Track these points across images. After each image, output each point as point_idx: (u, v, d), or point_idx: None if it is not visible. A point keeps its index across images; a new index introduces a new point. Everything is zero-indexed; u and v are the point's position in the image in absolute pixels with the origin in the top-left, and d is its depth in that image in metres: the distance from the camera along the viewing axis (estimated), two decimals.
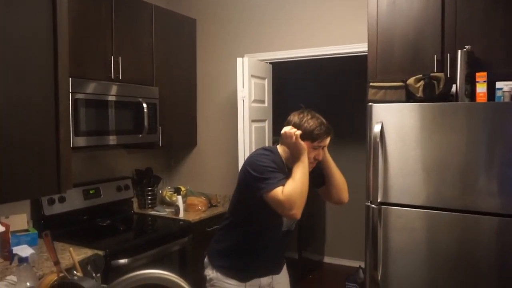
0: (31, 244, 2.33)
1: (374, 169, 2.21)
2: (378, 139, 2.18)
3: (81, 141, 2.50)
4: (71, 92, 2.41)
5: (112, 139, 2.75)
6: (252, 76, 3.08)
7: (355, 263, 4.11)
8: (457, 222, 2.12)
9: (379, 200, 2.22)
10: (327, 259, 4.88)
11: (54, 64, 1.12)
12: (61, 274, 1.39)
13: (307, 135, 1.75)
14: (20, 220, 2.45)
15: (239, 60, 3.05)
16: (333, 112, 4.50)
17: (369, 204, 2.25)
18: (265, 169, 1.70)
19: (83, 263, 1.54)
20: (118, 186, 3.16)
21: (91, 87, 2.58)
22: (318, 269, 4.66)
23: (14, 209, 2.46)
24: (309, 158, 1.76)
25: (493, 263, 2.05)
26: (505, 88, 2.17)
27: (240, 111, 3.05)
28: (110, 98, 2.71)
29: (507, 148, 2.00)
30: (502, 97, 2.19)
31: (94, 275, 1.47)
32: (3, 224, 2.21)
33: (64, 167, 1.16)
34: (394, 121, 2.18)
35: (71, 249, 1.50)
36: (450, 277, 2.14)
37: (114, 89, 2.74)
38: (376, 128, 2.19)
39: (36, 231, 2.44)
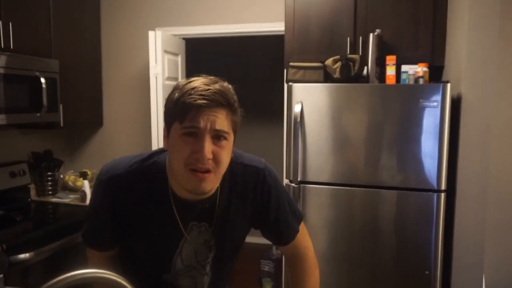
0: None
1: (294, 149, 2.24)
2: (299, 119, 2.21)
3: None
4: None
5: (1, 119, 2.39)
6: (166, 51, 2.91)
7: (267, 241, 4.22)
8: (364, 197, 2.26)
9: (298, 179, 2.27)
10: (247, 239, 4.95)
11: None
12: None
13: (171, 111, 1.00)
14: None
15: (151, 33, 2.85)
16: (250, 92, 4.56)
17: (289, 183, 2.29)
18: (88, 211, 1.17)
19: None
20: (11, 171, 2.78)
21: None
22: None
23: None
24: (184, 158, 0.97)
25: (392, 230, 2.24)
26: (410, 71, 2.34)
27: (153, 89, 2.87)
28: (1, 70, 2.35)
29: (408, 127, 2.16)
30: (407, 80, 2.36)
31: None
32: None
33: None
34: (313, 101, 2.23)
35: None
36: (360, 247, 2.30)
37: (2, 60, 2.37)
38: (297, 108, 2.21)
39: None
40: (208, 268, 1.16)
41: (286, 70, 2.39)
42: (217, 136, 0.96)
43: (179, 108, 0.95)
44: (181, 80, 1.05)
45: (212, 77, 1.01)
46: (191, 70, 3.46)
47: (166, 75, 2.96)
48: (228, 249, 1.17)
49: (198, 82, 0.98)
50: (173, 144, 0.98)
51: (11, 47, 2.44)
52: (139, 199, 1.07)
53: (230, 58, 4.71)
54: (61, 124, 2.84)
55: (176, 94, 0.97)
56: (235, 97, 1.01)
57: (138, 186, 1.07)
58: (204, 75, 1.01)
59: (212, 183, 1.00)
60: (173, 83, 3.07)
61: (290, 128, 2.25)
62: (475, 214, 2.11)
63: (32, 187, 3.01)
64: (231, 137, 1.00)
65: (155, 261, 1.12)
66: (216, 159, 0.96)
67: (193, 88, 0.95)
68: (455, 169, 2.14)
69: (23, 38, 2.52)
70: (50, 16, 2.75)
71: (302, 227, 1.23)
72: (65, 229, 2.48)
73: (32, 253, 2.20)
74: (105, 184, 1.08)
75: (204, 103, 0.94)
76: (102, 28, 3.31)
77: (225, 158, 0.99)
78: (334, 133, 2.24)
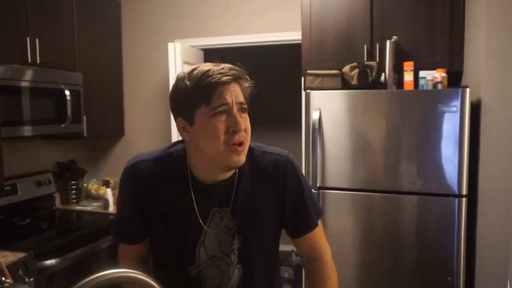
0: None
1: (313, 155, 2.26)
2: (317, 126, 2.23)
3: None
4: None
5: (27, 130, 2.48)
6: (185, 62, 2.97)
7: (287, 247, 4.22)
8: (385, 202, 2.26)
9: (318, 185, 2.29)
10: None
11: None
12: None
13: (191, 99, 1.01)
14: None
15: (170, 45, 2.93)
16: (268, 101, 4.62)
17: None
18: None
19: (13, 268, 1.37)
20: (37, 181, 2.87)
21: (4, 72, 2.29)
22: None
23: None
24: (221, 137, 1.00)
25: (413, 236, 2.23)
26: (428, 77, 2.34)
27: None
28: (25, 84, 2.44)
29: (427, 133, 2.16)
30: (425, 85, 2.37)
31: (27, 280, 1.32)
32: None
33: None
34: (331, 108, 2.25)
35: None
36: (380, 253, 2.28)
37: (29, 74, 2.46)
38: (315, 115, 2.24)
39: None
40: (233, 257, 1.14)
41: (304, 78, 2.42)
42: (241, 109, 1.03)
43: (204, 90, 0.99)
44: (179, 73, 1.07)
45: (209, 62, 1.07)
46: None
47: None
48: (254, 239, 1.14)
49: (206, 66, 1.03)
50: (205, 129, 1.01)
51: (38, 61, 2.53)
52: (160, 184, 1.11)
53: (247, 67, 4.75)
54: (85, 135, 2.93)
55: (189, 82, 1.01)
56: (245, 72, 1.07)
57: (160, 171, 1.11)
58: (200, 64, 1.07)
59: (245, 155, 1.05)
60: None
61: (309, 135, 2.27)
62: (498, 219, 2.08)
63: (57, 195, 3.09)
64: (247, 108, 1.07)
65: (179, 252, 1.14)
66: (246, 131, 1.03)
67: (208, 70, 1.01)
68: (476, 173, 2.12)
69: (48, 53, 2.62)
70: (73, 32, 2.85)
71: (321, 226, 1.22)
72: (89, 236, 2.55)
73: (58, 259, 2.26)
74: (130, 170, 1.14)
75: (228, 79, 1.00)
76: (123, 41, 3.40)
77: (249, 129, 1.06)
78: (352, 139, 2.25)
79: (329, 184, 2.30)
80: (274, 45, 3.13)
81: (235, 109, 1.01)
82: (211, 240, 1.12)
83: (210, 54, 3.39)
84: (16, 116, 2.41)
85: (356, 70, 2.26)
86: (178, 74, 1.08)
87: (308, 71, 2.37)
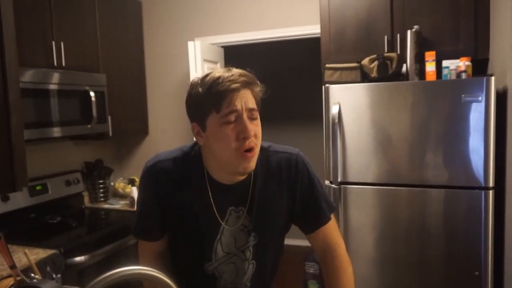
0: None
1: (333, 150, 2.24)
2: (337, 120, 2.21)
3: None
4: None
5: (56, 131, 2.57)
6: (205, 60, 3.00)
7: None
8: (410, 196, 2.22)
9: (339, 180, 2.27)
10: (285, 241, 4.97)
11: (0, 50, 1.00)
12: (18, 278, 1.28)
13: (203, 105, 1.05)
14: None
15: (190, 44, 2.96)
16: (288, 95, 4.61)
17: (329, 184, 2.29)
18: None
19: (41, 264, 1.43)
20: (66, 180, 2.97)
21: (28, 76, 2.37)
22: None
23: None
24: (232, 143, 1.03)
25: (439, 230, 2.18)
26: (452, 66, 2.28)
27: None
28: (52, 86, 2.52)
29: (451, 124, 2.10)
30: (448, 75, 2.30)
31: (54, 276, 1.38)
32: None
33: (18, 161, 1.05)
34: (351, 102, 2.22)
35: (26, 250, 1.39)
36: (405, 247, 2.24)
37: (56, 77, 2.54)
38: (334, 109, 2.22)
39: None
40: (248, 254, 1.17)
41: (323, 72, 2.40)
42: (251, 115, 1.05)
43: (214, 98, 1.02)
44: (198, 76, 1.11)
45: (222, 68, 1.10)
46: None
47: None
48: (269, 235, 1.18)
49: (218, 72, 1.05)
50: (216, 135, 1.05)
51: (63, 64, 2.61)
52: (179, 183, 1.15)
53: (267, 62, 4.76)
54: (110, 134, 3.00)
55: (201, 89, 1.04)
56: (255, 78, 1.08)
57: (178, 171, 1.15)
58: (214, 68, 1.08)
59: (255, 160, 1.08)
60: None
61: (329, 129, 2.25)
62: None
63: (85, 194, 3.19)
64: (258, 115, 1.08)
65: (197, 249, 1.17)
66: (256, 136, 1.05)
67: (218, 77, 1.03)
68: (503, 165, 2.05)
69: (73, 56, 2.70)
70: (96, 34, 2.92)
71: (333, 220, 1.24)
72: (116, 233, 2.62)
73: (87, 256, 2.33)
74: (150, 169, 1.18)
75: (237, 86, 1.01)
76: (145, 42, 3.46)
77: (260, 135, 1.08)
78: (374, 133, 2.22)
79: (351, 178, 2.27)
80: (294, 39, 3.11)
81: (245, 115, 1.03)
82: (227, 238, 1.15)
83: (231, 51, 3.41)
84: (45, 118, 2.49)
85: (376, 62, 2.22)
86: (192, 80, 1.12)
87: (327, 65, 2.34)
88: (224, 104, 1.02)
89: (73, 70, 2.69)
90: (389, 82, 2.22)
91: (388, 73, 2.22)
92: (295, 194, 1.18)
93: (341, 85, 2.23)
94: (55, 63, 2.56)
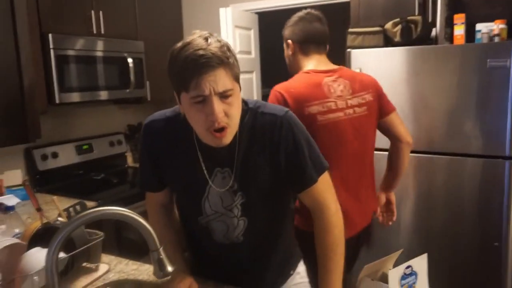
0: (26, 198, 2.43)
1: None
2: None
3: (66, 97, 2.54)
4: (53, 49, 2.42)
5: (100, 94, 2.79)
6: (236, 26, 3.05)
7: None
8: (444, 165, 2.16)
9: None
10: None
11: (12, 17, 1.13)
12: (45, 221, 1.48)
13: (174, 82, 1.09)
14: (14, 176, 2.54)
15: (222, 10, 3.02)
16: None
17: None
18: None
19: (68, 210, 1.63)
20: (110, 141, 3.23)
21: (73, 43, 2.58)
22: None
23: (8, 165, 2.55)
24: (201, 124, 1.08)
25: (476, 200, 2.13)
26: (484, 30, 2.16)
27: None
28: (95, 53, 2.72)
29: (486, 90, 2.01)
30: (481, 39, 2.19)
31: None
32: None
33: (30, 117, 1.20)
34: (373, 67, 2.20)
35: (54, 197, 1.59)
36: (441, 217, 2.22)
37: (97, 44, 2.73)
38: None
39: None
40: (236, 211, 1.21)
41: (346, 37, 2.37)
42: (224, 96, 1.04)
43: (181, 80, 1.04)
44: (177, 45, 1.07)
45: (203, 34, 1.04)
46: (266, 42, 3.58)
47: (238, 49, 3.11)
48: (256, 195, 1.21)
49: (191, 47, 1.02)
50: (188, 112, 1.10)
51: (102, 32, 2.79)
52: (170, 142, 1.22)
53: None
54: (148, 99, 3.19)
55: (174, 64, 1.05)
56: (228, 52, 1.04)
57: (170, 131, 1.22)
58: (197, 33, 1.06)
59: (230, 136, 1.11)
60: (245, 56, 3.22)
61: None
62: None
63: (129, 155, 3.45)
64: (236, 90, 1.08)
65: (189, 204, 1.27)
66: (228, 115, 1.06)
67: (188, 56, 1.01)
68: None
69: (111, 24, 2.86)
70: (134, 2, 3.06)
71: (324, 180, 1.23)
72: None
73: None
74: (145, 127, 1.26)
75: (199, 70, 1.00)
76: (183, 9, 3.56)
77: (236, 112, 1.09)
78: (396, 99, 2.17)
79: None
80: (327, 4, 3.06)
81: (213, 98, 1.02)
82: (214, 197, 1.22)
83: (264, 17, 3.43)
84: (89, 82, 2.70)
85: (399, 26, 2.16)
86: (171, 48, 1.08)
87: (349, 30, 2.31)
88: (191, 86, 1.02)
89: (112, 37, 2.86)
90: (412, 46, 2.16)
91: (412, 37, 2.16)
92: (278, 156, 1.18)
93: (363, 50, 2.20)
94: (95, 31, 2.75)
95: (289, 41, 1.74)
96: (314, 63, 1.72)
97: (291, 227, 1.42)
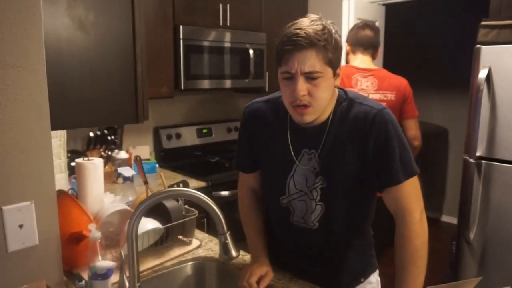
0: (151, 171, 2.75)
1: (475, 120, 2.00)
2: (483, 86, 1.94)
3: (191, 84, 2.77)
4: (183, 39, 2.67)
5: (222, 83, 2.98)
6: (358, 18, 2.94)
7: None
8: None
9: (480, 154, 2.02)
10: (445, 218, 4.62)
11: (132, 11, 1.29)
12: (150, 193, 1.67)
13: (275, 54, 1.17)
14: (144, 151, 2.89)
15: (345, 2, 2.94)
16: (443, 57, 4.15)
17: (467, 157, 2.06)
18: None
19: (172, 186, 1.80)
20: (228, 127, 3.44)
21: (201, 34, 2.79)
22: (433, 226, 4.45)
23: (139, 141, 2.91)
24: (288, 98, 1.15)
25: None
26: None
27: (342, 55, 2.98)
28: (220, 44, 2.91)
29: None
30: None
31: (179, 198, 1.72)
32: (128, 152, 2.66)
33: (141, 100, 1.38)
34: (504, 66, 1.91)
35: (161, 173, 1.77)
36: None
37: (222, 36, 2.92)
38: (482, 74, 1.95)
39: (155, 161, 2.86)
40: (315, 194, 1.24)
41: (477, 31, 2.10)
42: (310, 77, 1.09)
43: (277, 55, 1.13)
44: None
45: (312, 17, 1.12)
46: (395, 34, 3.38)
47: None
48: (337, 182, 1.21)
49: (293, 27, 1.10)
50: (280, 86, 1.17)
51: (228, 24, 2.96)
52: (266, 121, 1.30)
53: (430, 22, 4.28)
54: (266, 89, 3.29)
55: (278, 41, 1.14)
56: (326, 36, 1.08)
57: (267, 111, 1.30)
58: (309, 16, 1.14)
59: (312, 115, 1.15)
60: None
61: (473, 96, 2.00)
62: None
63: None
64: (327, 74, 1.11)
65: (275, 183, 1.32)
66: (312, 95, 1.11)
67: (285, 35, 1.10)
68: None
69: (237, 16, 3.01)
70: None
71: (412, 185, 1.17)
72: None
73: (231, 192, 2.71)
74: (245, 109, 1.37)
75: (290, 48, 1.07)
76: (309, 0, 3.56)
77: (321, 94, 1.12)
78: None
79: (496, 155, 1.99)
80: None
81: (300, 77, 1.09)
82: (299, 176, 1.26)
83: (392, 9, 3.23)
84: (212, 71, 2.91)
85: None
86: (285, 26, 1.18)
87: (483, 23, 2.03)
88: (283, 62, 1.11)
89: (236, 29, 3.01)
90: None
91: None
92: (367, 146, 1.16)
93: (494, 46, 1.93)
94: (221, 24, 2.93)
95: (346, 42, 2.33)
96: (358, 62, 2.28)
97: (370, 235, 1.36)
